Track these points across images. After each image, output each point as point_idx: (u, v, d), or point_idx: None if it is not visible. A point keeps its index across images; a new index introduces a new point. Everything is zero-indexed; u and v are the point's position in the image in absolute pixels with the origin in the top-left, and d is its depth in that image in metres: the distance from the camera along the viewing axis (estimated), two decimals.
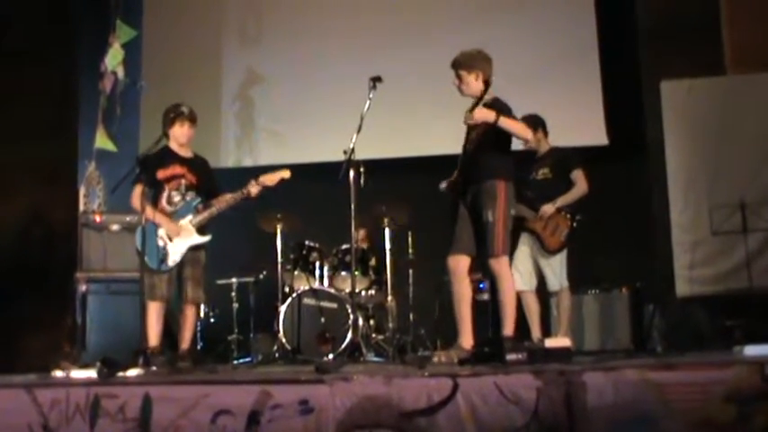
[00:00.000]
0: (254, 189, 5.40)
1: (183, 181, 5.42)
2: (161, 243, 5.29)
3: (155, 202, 5.34)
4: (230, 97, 8.49)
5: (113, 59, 7.85)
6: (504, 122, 4.74)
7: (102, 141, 7.73)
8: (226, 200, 5.41)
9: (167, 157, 5.43)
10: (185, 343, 5.37)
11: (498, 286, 4.89)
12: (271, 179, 5.44)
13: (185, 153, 5.51)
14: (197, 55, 8.49)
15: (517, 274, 5.89)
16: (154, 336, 5.21)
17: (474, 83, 4.93)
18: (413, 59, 7.76)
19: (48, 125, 6.76)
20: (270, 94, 8.36)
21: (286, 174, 5.50)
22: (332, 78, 7.96)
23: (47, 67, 6.80)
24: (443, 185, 5.13)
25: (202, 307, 7.14)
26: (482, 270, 6.56)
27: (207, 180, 5.55)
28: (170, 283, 5.32)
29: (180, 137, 5.45)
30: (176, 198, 5.39)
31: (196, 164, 5.53)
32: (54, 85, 6.90)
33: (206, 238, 5.41)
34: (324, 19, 8.24)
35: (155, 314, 5.22)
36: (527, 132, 4.93)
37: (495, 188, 4.83)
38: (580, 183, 5.88)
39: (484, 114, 4.72)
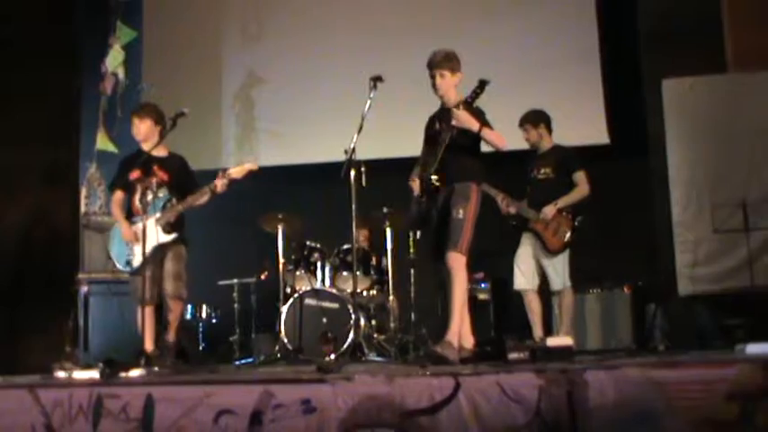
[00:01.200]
0: (219, 183, 5.38)
1: (155, 179, 5.44)
2: (127, 244, 5.41)
3: (129, 203, 5.45)
4: (231, 98, 8.49)
5: (114, 61, 7.89)
6: (486, 133, 4.76)
7: (104, 143, 7.76)
8: (193, 197, 5.42)
9: (139, 157, 5.50)
10: (169, 336, 5.41)
11: (452, 281, 4.81)
12: (238, 172, 5.44)
13: (158, 152, 5.54)
14: (197, 55, 8.49)
15: (519, 273, 5.90)
16: (147, 339, 5.26)
17: (454, 84, 4.95)
18: (414, 59, 7.68)
19: (49, 127, 6.76)
20: (270, 94, 8.36)
21: (254, 166, 5.50)
22: (333, 78, 7.96)
23: (48, 69, 6.80)
24: (420, 195, 5.00)
25: (204, 308, 7.17)
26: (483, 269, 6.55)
27: (180, 178, 5.55)
28: (153, 283, 5.34)
29: (134, 134, 5.57)
30: (149, 197, 5.40)
31: (168, 162, 5.55)
32: (55, 86, 6.90)
33: (169, 237, 5.40)
34: (325, 19, 8.24)
35: (145, 318, 5.26)
36: (504, 143, 4.90)
37: (469, 190, 4.85)
38: (582, 185, 5.87)
39: (470, 122, 4.73)
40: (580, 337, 6.40)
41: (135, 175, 5.42)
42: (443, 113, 4.98)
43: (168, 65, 8.35)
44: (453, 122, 4.74)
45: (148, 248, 5.26)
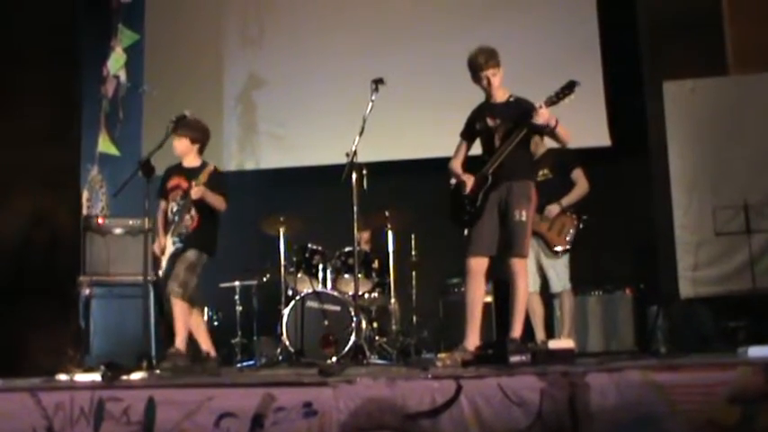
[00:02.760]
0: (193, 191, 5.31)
1: (179, 191, 5.48)
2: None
3: (165, 214, 5.54)
4: (232, 100, 8.50)
5: (116, 63, 7.89)
6: (559, 130, 4.74)
7: (105, 145, 7.77)
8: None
9: (173, 168, 5.57)
10: (177, 341, 5.33)
11: (515, 286, 4.76)
12: (195, 193, 5.29)
13: (188, 163, 5.57)
14: (199, 58, 8.51)
15: None
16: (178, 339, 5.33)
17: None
18: (414, 61, 7.77)
19: (50, 129, 6.76)
20: (272, 96, 8.37)
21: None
22: (334, 81, 7.97)
23: (49, 72, 6.80)
24: (474, 192, 4.85)
25: (206, 310, 7.16)
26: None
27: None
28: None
29: (174, 149, 5.55)
30: (175, 208, 5.47)
31: (192, 172, 5.52)
32: (56, 89, 6.89)
33: (173, 247, 5.40)
34: (325, 21, 8.25)
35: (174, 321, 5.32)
36: (571, 140, 4.89)
37: (529, 189, 4.81)
38: (581, 181, 5.88)
39: (550, 119, 4.69)
40: (582, 340, 6.39)
41: (167, 186, 5.51)
42: (492, 108, 4.89)
43: (170, 67, 8.36)
44: (540, 121, 4.64)
45: (165, 259, 5.39)
